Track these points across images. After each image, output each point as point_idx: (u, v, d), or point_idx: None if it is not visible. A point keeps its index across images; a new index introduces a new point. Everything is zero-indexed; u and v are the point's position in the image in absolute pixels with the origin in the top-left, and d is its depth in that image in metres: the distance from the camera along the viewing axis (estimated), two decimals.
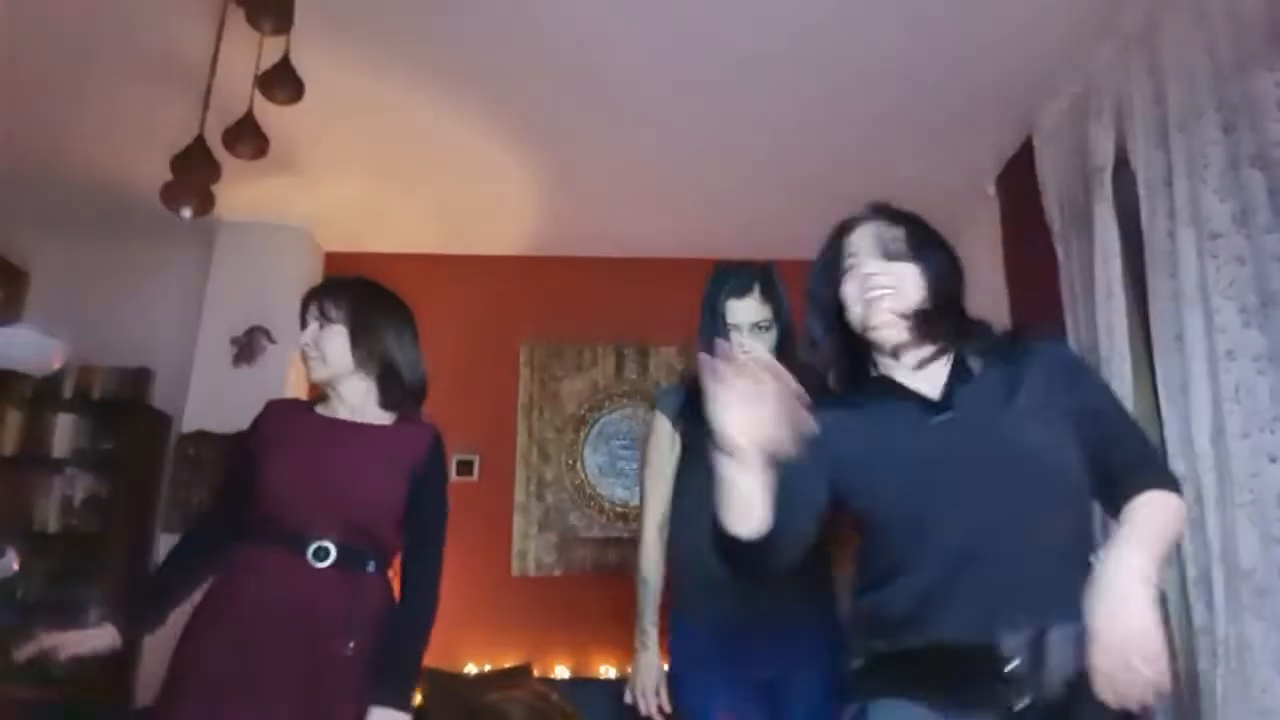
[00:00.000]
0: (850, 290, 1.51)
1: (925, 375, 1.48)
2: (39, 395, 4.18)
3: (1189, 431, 2.46)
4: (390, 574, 2.03)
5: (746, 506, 1.30)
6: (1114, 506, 1.35)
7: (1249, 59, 2.41)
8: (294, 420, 2.04)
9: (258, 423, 2.05)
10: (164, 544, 4.15)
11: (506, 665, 4.07)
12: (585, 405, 4.70)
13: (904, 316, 1.46)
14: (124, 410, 4.32)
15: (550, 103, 3.60)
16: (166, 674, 1.90)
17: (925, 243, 1.54)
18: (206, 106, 2.98)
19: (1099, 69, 3.11)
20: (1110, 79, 3.05)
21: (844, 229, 1.58)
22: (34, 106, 3.62)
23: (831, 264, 1.56)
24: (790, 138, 3.84)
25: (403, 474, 2.00)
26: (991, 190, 4.03)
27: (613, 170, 4.13)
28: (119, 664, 3.98)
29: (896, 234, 1.53)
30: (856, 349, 1.54)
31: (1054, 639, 1.24)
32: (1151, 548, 1.24)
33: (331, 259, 4.86)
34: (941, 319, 1.48)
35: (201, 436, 4.24)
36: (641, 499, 2.28)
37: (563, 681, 4.09)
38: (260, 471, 1.94)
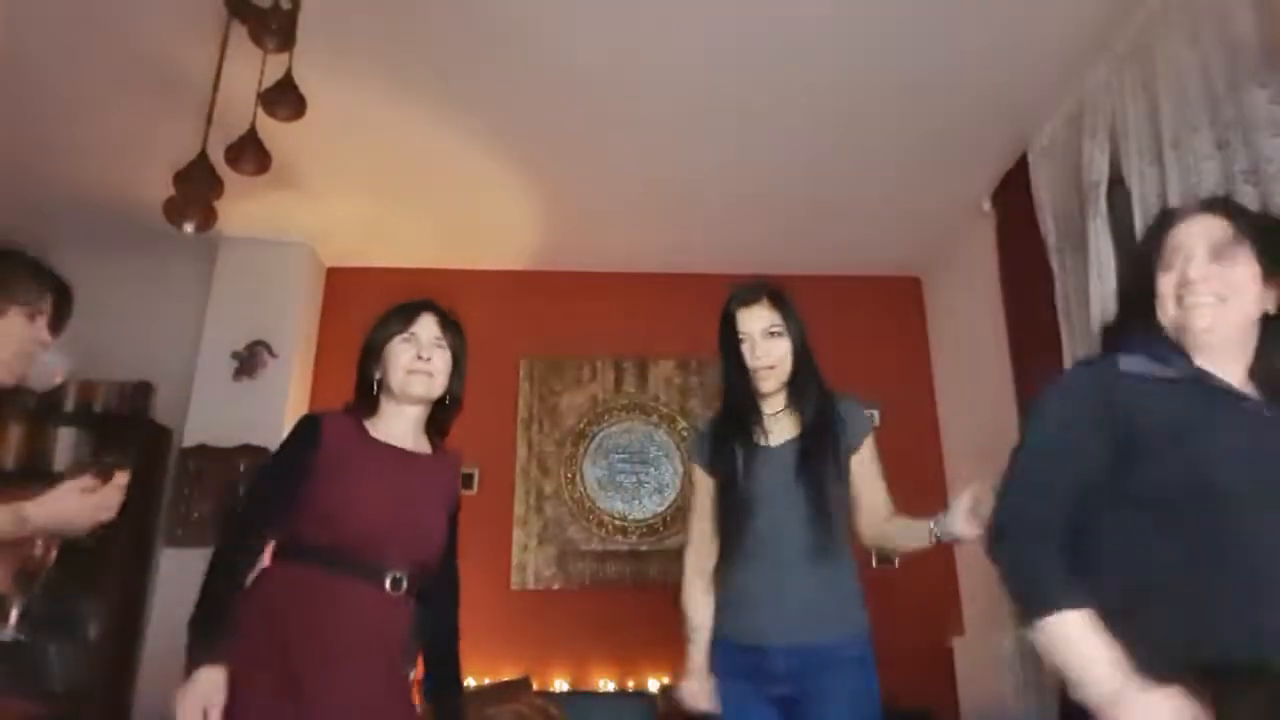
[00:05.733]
0: (1165, 286, 1.44)
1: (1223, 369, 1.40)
2: (41, 409, 4.19)
3: None
4: None
5: None
6: None
7: (1241, 76, 2.44)
8: (353, 442, 1.94)
9: (317, 436, 1.91)
10: (164, 557, 4.16)
11: (505, 678, 4.07)
12: (584, 419, 4.71)
13: (1234, 330, 1.40)
14: (125, 424, 4.33)
15: (550, 119, 3.63)
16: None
17: (1267, 242, 1.41)
18: (209, 123, 3.01)
19: (1093, 87, 3.15)
20: (1104, 97, 3.08)
21: (1172, 217, 1.50)
22: (37, 122, 3.65)
23: (1151, 246, 1.49)
24: (788, 154, 3.87)
25: (447, 508, 2.05)
26: (987, 206, 4.05)
27: (611, 186, 4.16)
28: (118, 678, 3.99)
29: (1227, 232, 1.42)
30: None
31: None
32: None
33: (333, 274, 4.89)
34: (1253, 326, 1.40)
35: (202, 450, 4.26)
36: (686, 546, 2.30)
37: (562, 694, 4.09)
38: (329, 495, 1.85)
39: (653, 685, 4.11)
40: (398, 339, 2.00)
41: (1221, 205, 1.47)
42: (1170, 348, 1.42)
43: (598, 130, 3.71)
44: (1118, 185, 3.04)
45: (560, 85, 3.41)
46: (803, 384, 2.16)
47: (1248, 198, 2.39)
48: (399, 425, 2.01)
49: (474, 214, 4.44)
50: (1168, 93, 2.73)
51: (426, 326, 2.03)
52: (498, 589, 4.40)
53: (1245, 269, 1.38)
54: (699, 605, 2.20)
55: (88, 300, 4.57)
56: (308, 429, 1.94)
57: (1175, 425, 1.32)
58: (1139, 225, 2.82)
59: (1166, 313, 1.43)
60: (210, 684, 1.63)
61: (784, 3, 2.97)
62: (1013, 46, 3.15)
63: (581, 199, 4.29)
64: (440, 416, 2.08)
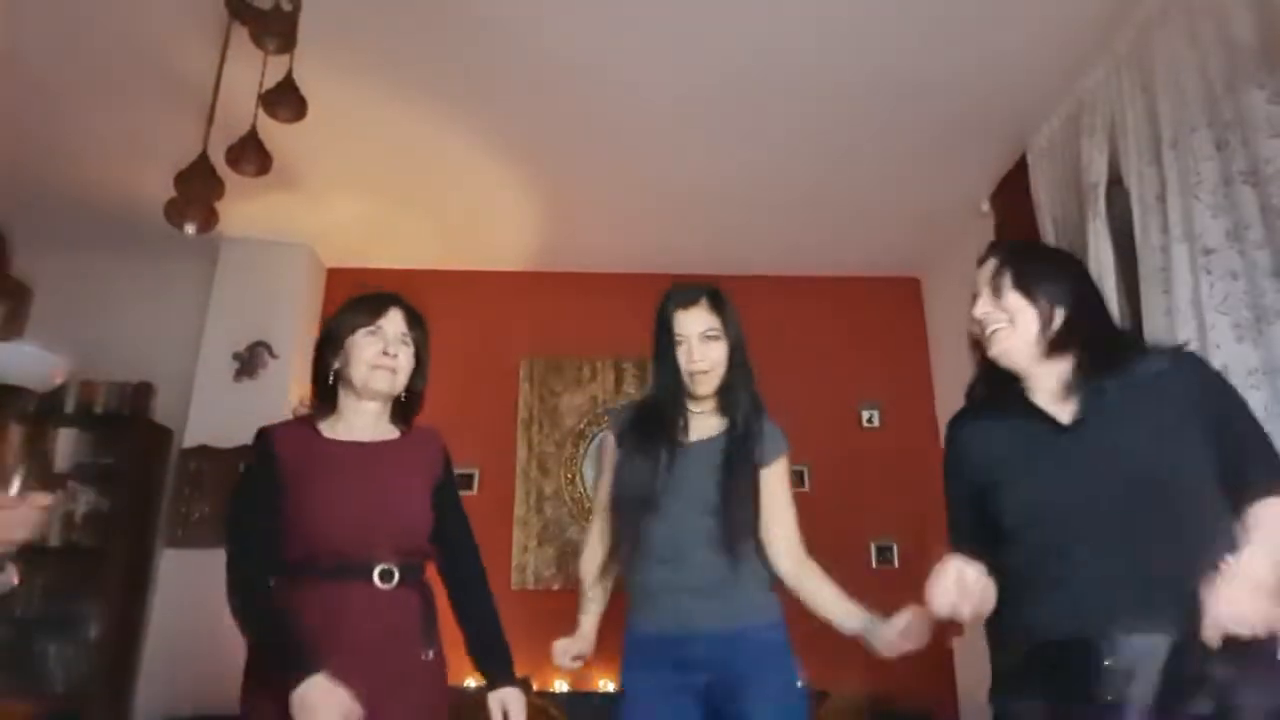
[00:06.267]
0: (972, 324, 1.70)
1: (1056, 397, 1.60)
2: (41, 409, 4.19)
3: None
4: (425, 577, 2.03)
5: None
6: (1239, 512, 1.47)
7: (1240, 77, 2.44)
8: (309, 448, 1.91)
9: (271, 453, 1.88)
10: (164, 558, 4.16)
11: None
12: (585, 419, 4.72)
13: (1024, 347, 1.61)
14: (126, 424, 4.34)
15: (550, 119, 3.63)
16: None
17: (1041, 280, 1.63)
18: (210, 124, 3.01)
19: (1092, 88, 3.15)
20: (1103, 97, 3.08)
21: (982, 258, 1.74)
22: (38, 122, 3.66)
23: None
24: (788, 156, 3.87)
25: (428, 486, 2.01)
26: (986, 207, 4.05)
27: (611, 186, 4.16)
28: (118, 678, 3.99)
29: (996, 268, 1.67)
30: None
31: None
32: (1272, 555, 1.35)
33: (333, 275, 4.89)
34: (1062, 347, 1.60)
35: (203, 451, 4.26)
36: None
37: (561, 695, 4.09)
38: (298, 506, 1.84)
39: None
40: (362, 331, 1.96)
41: (998, 247, 1.74)
42: (1008, 381, 1.66)
43: (598, 131, 3.71)
44: (1117, 186, 3.03)
45: (561, 85, 3.41)
46: (735, 389, 2.13)
47: (1247, 198, 2.40)
48: (359, 420, 1.98)
49: (475, 215, 4.44)
50: (1166, 93, 2.73)
51: (393, 321, 1.99)
52: (498, 589, 4.27)
53: (1013, 295, 1.63)
54: (595, 574, 2.34)
55: (88, 300, 4.64)
56: (260, 446, 1.92)
57: (1000, 466, 1.61)
58: (1138, 226, 2.83)
59: None
60: (325, 690, 1.62)
61: (785, 4, 2.97)
62: (1012, 47, 3.14)
63: (581, 199, 4.30)
64: (402, 410, 2.05)
